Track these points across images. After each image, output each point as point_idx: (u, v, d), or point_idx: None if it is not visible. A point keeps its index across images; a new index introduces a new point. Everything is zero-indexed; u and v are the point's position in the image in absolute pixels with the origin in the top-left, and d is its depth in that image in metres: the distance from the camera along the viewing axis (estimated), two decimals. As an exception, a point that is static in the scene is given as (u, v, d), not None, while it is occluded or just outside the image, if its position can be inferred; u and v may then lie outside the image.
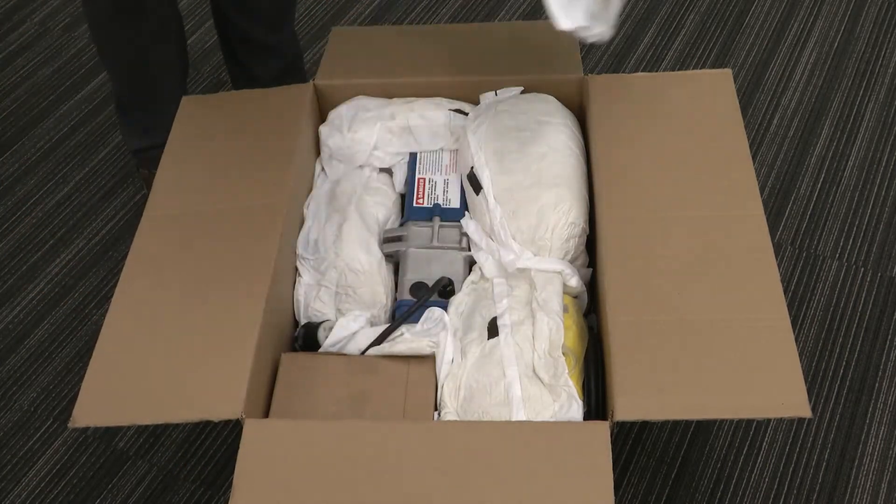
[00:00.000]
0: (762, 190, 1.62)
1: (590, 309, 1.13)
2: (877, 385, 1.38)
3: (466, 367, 1.03)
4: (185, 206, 1.16)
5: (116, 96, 1.60)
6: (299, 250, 1.19)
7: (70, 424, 0.96)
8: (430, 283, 1.13)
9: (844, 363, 1.40)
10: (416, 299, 1.11)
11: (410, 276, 1.14)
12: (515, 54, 1.30)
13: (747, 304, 0.99)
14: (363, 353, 1.08)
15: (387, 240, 1.18)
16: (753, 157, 1.33)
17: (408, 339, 1.05)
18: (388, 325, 1.08)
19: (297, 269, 1.20)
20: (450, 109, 1.26)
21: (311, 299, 1.16)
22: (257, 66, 1.60)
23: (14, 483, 1.36)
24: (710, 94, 1.21)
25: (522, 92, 1.27)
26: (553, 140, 1.17)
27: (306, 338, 1.12)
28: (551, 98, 1.25)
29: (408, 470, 0.90)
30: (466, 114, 1.25)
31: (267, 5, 1.55)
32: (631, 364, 0.94)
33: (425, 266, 1.15)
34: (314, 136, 1.30)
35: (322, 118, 1.32)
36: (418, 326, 1.07)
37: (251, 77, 1.60)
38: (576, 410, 0.96)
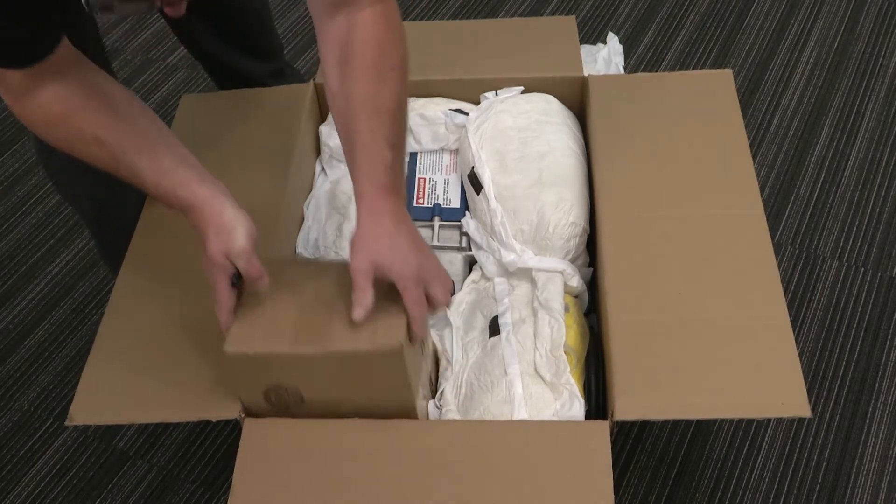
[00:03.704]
0: (762, 190, 1.62)
1: (590, 308, 1.13)
2: (877, 385, 1.38)
3: (468, 365, 1.03)
4: (185, 206, 1.16)
5: (102, 249, 1.48)
6: (299, 249, 1.19)
7: (67, 422, 0.96)
8: (430, 283, 1.12)
9: (844, 363, 1.40)
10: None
11: (410, 276, 1.14)
12: (516, 53, 1.30)
13: (747, 303, 0.99)
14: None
15: (387, 240, 1.18)
16: (753, 157, 1.33)
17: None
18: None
19: (297, 268, 1.19)
20: (450, 109, 1.26)
21: (311, 299, 1.16)
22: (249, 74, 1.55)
23: (14, 483, 1.36)
24: (711, 93, 1.21)
25: (523, 91, 1.26)
26: (553, 140, 1.17)
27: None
28: (552, 98, 1.25)
29: (408, 468, 0.90)
30: (467, 114, 1.25)
31: (253, 34, 1.48)
32: (631, 364, 0.94)
33: (425, 266, 1.15)
34: (314, 135, 1.30)
35: (322, 118, 1.32)
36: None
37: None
38: (577, 408, 0.96)
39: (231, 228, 0.91)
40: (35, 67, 0.88)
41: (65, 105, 0.91)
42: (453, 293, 1.12)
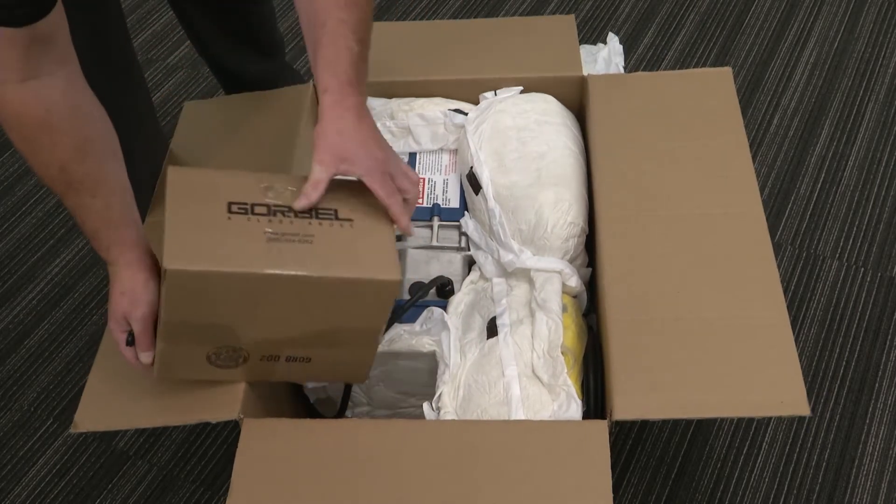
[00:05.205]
0: (762, 190, 1.62)
1: (589, 308, 1.13)
2: (877, 385, 1.38)
3: (465, 366, 1.03)
4: (184, 206, 1.16)
5: None
6: (299, 250, 1.19)
7: (72, 430, 0.96)
8: (430, 283, 1.13)
9: (844, 363, 1.40)
10: (416, 299, 1.11)
11: (410, 276, 1.14)
12: (515, 53, 1.30)
13: (746, 302, 0.98)
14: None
15: (386, 240, 1.18)
16: (753, 158, 1.33)
17: (407, 338, 1.05)
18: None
19: (296, 268, 1.19)
20: (449, 109, 1.26)
21: (311, 299, 1.16)
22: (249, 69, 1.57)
23: (14, 483, 1.36)
24: (710, 92, 1.21)
25: (522, 91, 1.26)
26: (552, 140, 1.17)
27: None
28: (551, 98, 1.25)
29: (406, 469, 0.90)
30: (466, 114, 1.25)
31: (258, 34, 1.48)
32: (630, 363, 0.94)
33: (425, 266, 1.15)
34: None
35: (322, 118, 1.32)
36: (417, 326, 1.07)
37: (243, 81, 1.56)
38: (574, 410, 0.96)
39: (138, 296, 0.93)
40: (34, 61, 0.84)
41: (46, 113, 0.87)
42: (452, 292, 1.12)
